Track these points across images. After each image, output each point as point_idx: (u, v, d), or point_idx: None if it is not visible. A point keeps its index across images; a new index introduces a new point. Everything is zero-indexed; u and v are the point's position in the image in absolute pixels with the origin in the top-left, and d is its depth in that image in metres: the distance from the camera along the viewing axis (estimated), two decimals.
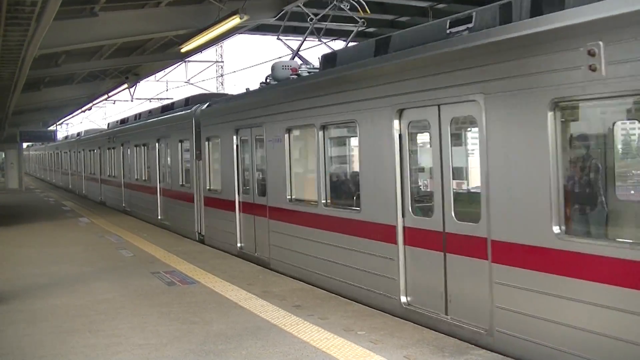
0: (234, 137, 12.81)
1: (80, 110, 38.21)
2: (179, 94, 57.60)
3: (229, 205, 13.12)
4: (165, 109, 19.53)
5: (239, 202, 12.77)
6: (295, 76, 11.50)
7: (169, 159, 17.78)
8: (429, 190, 7.82)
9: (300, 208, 10.40)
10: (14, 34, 10.22)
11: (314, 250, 9.83)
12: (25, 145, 60.41)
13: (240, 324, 7.68)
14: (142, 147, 20.56)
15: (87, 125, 50.83)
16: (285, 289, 9.48)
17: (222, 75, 50.77)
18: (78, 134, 37.80)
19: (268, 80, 12.34)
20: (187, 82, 32.92)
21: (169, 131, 17.42)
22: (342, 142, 10.92)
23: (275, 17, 14.89)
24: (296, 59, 12.51)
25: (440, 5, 17.24)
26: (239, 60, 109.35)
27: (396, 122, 7.83)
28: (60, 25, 13.38)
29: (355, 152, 9.56)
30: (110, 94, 28.99)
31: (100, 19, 14.71)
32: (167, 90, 37.67)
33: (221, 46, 52.34)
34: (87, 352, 6.77)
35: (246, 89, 13.47)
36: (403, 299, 7.85)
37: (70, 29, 14.74)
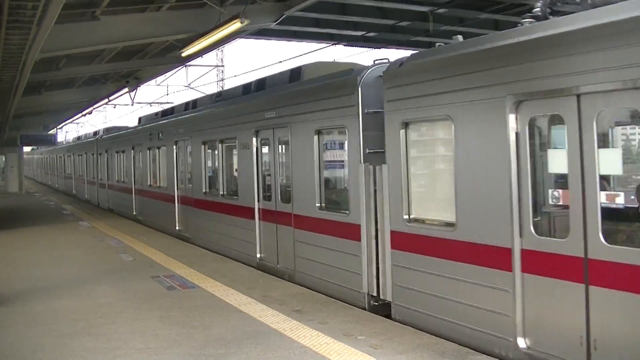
0: (511, 118, 6.35)
1: (80, 114, 38.19)
2: (179, 99, 57.56)
3: (474, 253, 6.83)
4: (247, 89, 13.68)
5: (522, 251, 6.30)
6: None
7: (284, 162, 11.34)
8: None
9: None
10: (15, 38, 10.25)
11: None
12: (30, 148, 60.36)
13: (240, 328, 7.68)
14: (219, 145, 14.21)
15: (87, 129, 50.18)
16: (285, 294, 9.48)
17: (222, 80, 50.95)
18: (95, 133, 32.22)
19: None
20: (188, 86, 32.98)
21: (286, 117, 10.91)
22: None
23: (275, 21, 14.92)
24: None
25: (441, 10, 17.30)
26: (240, 65, 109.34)
27: None
28: (62, 29, 13.40)
29: None
30: (110, 98, 28.96)
31: (102, 22, 14.76)
32: (168, 94, 37.59)
33: (222, 50, 52.64)
34: (87, 355, 6.77)
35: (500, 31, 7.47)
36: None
37: (72, 32, 14.78)
